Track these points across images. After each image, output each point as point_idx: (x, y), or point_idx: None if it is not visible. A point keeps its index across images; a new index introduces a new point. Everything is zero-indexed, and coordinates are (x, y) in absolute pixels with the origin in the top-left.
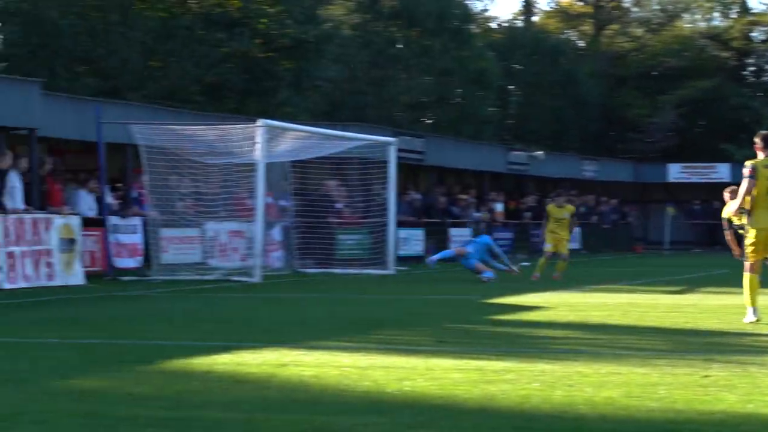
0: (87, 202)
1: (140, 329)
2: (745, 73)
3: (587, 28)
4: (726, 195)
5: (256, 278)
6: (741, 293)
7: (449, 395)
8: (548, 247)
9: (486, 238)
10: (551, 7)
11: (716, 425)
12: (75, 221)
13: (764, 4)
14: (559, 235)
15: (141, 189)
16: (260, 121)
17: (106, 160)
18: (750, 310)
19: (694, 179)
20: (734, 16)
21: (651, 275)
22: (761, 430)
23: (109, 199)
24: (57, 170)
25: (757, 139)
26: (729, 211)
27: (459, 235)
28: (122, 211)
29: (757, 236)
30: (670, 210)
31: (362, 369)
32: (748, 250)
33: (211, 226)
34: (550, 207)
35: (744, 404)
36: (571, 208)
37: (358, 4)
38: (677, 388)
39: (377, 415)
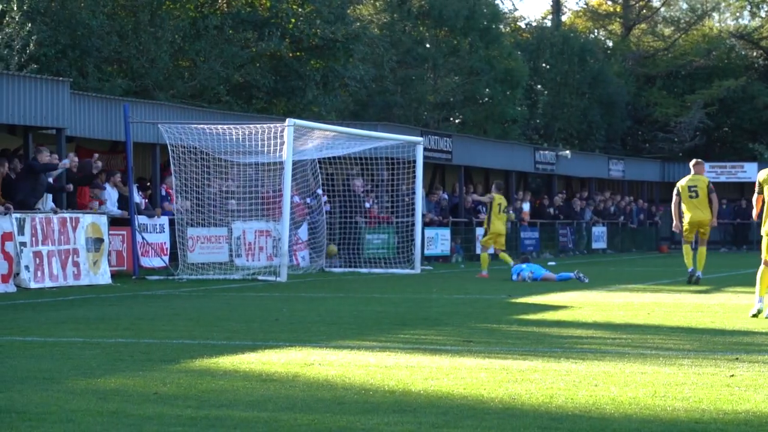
0: (111, 198)
1: (166, 328)
2: None
3: (615, 27)
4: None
5: (283, 277)
6: None
7: (474, 395)
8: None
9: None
10: (580, 7)
11: (741, 425)
12: (102, 220)
13: None
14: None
15: (168, 188)
16: (288, 121)
17: (133, 159)
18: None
19: (722, 179)
20: (763, 15)
21: (677, 275)
22: None
23: (137, 198)
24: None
25: None
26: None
27: None
28: (149, 210)
29: None
30: None
31: (387, 368)
32: None
33: (238, 226)
34: None
35: None
36: (498, 196)
37: (387, 3)
38: (702, 387)
39: (402, 414)
